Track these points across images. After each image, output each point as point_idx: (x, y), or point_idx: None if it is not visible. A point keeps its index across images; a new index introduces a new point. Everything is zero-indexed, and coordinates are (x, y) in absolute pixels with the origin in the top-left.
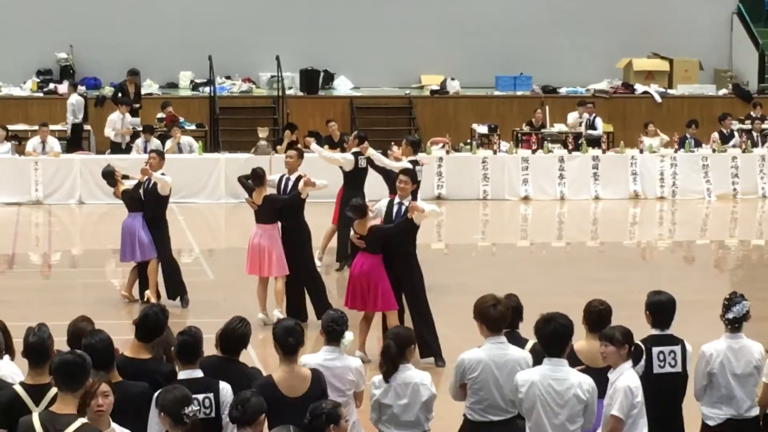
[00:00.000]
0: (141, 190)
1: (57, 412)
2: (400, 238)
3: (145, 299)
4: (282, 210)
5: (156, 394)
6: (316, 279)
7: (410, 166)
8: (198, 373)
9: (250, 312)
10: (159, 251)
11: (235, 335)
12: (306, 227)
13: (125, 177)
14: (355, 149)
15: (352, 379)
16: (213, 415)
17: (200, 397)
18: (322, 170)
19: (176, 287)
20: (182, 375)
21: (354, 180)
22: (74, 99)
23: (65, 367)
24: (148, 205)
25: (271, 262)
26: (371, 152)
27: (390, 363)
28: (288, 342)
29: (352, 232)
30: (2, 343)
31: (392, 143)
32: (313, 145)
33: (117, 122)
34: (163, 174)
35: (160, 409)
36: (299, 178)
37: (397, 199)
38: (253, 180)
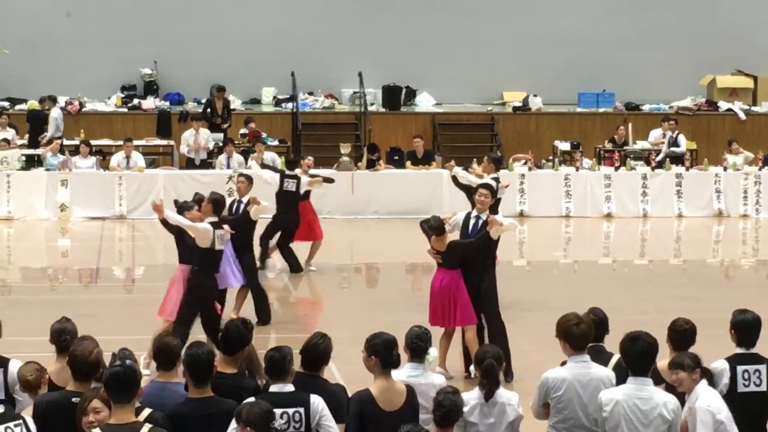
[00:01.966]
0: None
1: (119, 423)
2: (476, 252)
3: None
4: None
5: (237, 409)
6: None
7: (494, 183)
8: (289, 387)
9: (331, 328)
10: (248, 278)
11: (316, 351)
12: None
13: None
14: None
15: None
16: (303, 429)
17: (290, 411)
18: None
19: (265, 313)
20: (274, 388)
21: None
22: (56, 113)
23: (117, 380)
24: (239, 230)
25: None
26: (456, 170)
27: (494, 382)
28: (391, 356)
29: (429, 248)
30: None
31: (473, 161)
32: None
33: (189, 138)
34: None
35: (244, 423)
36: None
37: (474, 213)
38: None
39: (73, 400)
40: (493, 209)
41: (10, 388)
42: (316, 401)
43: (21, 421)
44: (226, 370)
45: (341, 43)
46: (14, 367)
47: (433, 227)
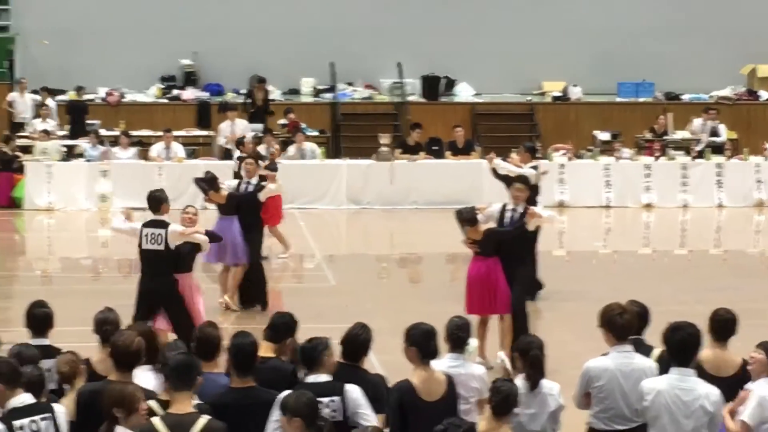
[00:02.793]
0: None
1: (179, 413)
2: (513, 243)
3: (224, 305)
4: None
5: (280, 398)
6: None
7: (533, 172)
8: (324, 377)
9: (371, 318)
10: (251, 257)
11: (356, 342)
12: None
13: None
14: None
15: (476, 386)
16: (340, 418)
17: (325, 400)
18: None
19: (258, 294)
20: (310, 378)
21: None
22: (50, 103)
23: (181, 367)
24: (245, 209)
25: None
26: (496, 162)
27: (539, 372)
28: (430, 346)
29: (464, 239)
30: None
31: (510, 151)
32: None
33: (226, 130)
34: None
35: (292, 413)
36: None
37: (510, 205)
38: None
39: None
40: (532, 199)
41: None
42: (352, 390)
43: (50, 414)
44: (265, 354)
45: (380, 34)
46: None
47: (466, 219)
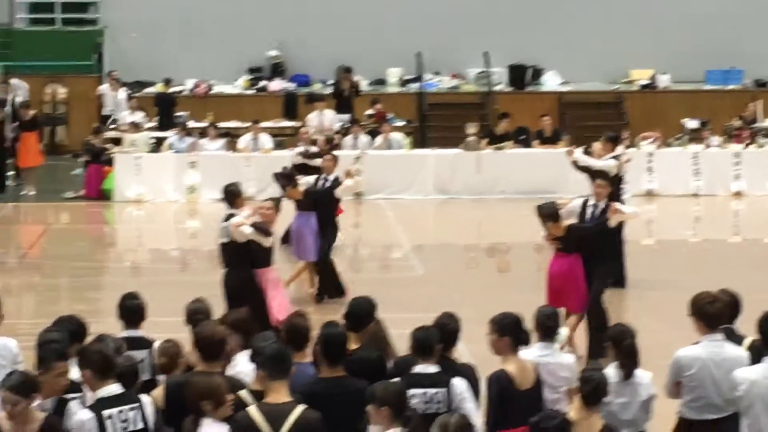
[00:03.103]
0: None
1: (276, 402)
2: (594, 239)
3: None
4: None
5: (370, 390)
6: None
7: (613, 163)
8: (433, 368)
9: (459, 308)
10: (323, 252)
11: (445, 331)
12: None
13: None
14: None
15: (566, 375)
16: (444, 409)
17: (431, 391)
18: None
19: (329, 289)
20: (418, 368)
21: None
22: (121, 94)
23: (276, 357)
24: (322, 206)
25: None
26: (576, 155)
27: (633, 362)
28: (522, 334)
29: (544, 234)
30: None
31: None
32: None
33: (314, 120)
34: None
35: (380, 403)
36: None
37: (592, 201)
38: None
39: None
40: (615, 190)
41: (156, 369)
42: (458, 383)
43: (138, 404)
44: (349, 347)
45: (467, 23)
46: None
47: (547, 214)
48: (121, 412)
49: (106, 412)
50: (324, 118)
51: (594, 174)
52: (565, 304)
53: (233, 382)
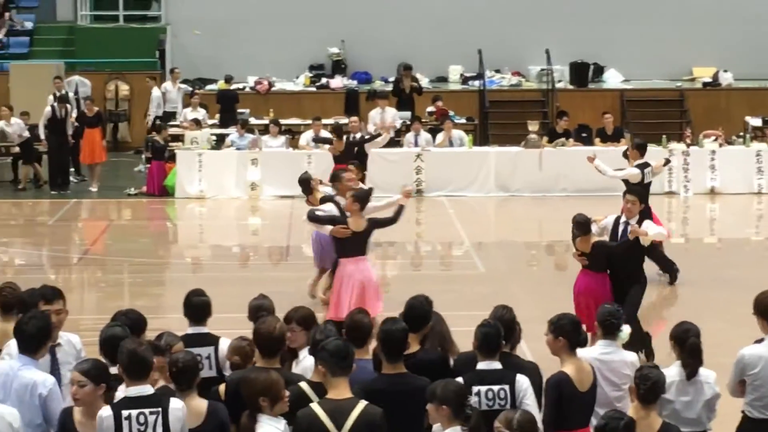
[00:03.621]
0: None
1: (338, 398)
2: (626, 258)
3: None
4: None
5: (430, 389)
6: None
7: (635, 172)
8: (497, 365)
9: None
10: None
11: (502, 321)
12: None
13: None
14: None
15: (628, 373)
16: (508, 406)
17: (495, 388)
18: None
19: None
20: (482, 365)
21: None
22: (169, 87)
23: (339, 353)
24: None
25: None
26: (596, 162)
27: (698, 361)
28: (579, 335)
29: (573, 251)
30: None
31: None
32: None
33: (376, 117)
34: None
35: (440, 401)
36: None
37: (623, 218)
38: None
39: None
40: (645, 213)
41: (221, 365)
42: (522, 380)
43: (160, 408)
44: (409, 351)
45: (528, 21)
46: (224, 345)
47: (579, 222)
48: (141, 414)
49: (125, 412)
50: (386, 116)
51: (626, 185)
52: (585, 323)
53: (291, 376)
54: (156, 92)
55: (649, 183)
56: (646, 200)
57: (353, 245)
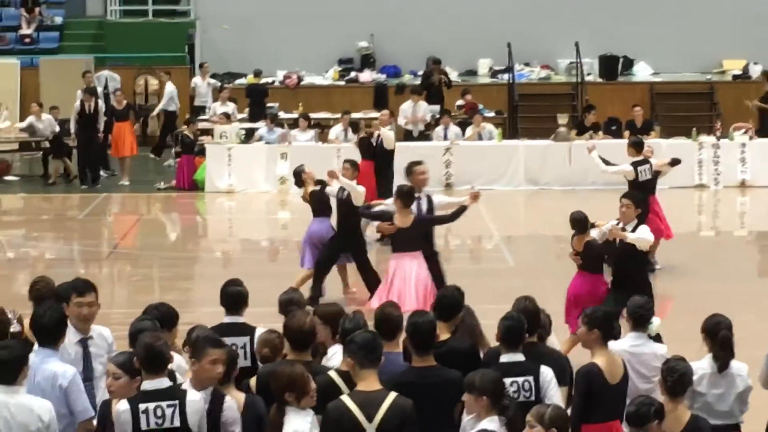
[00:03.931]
0: (335, 198)
1: (368, 390)
2: (622, 263)
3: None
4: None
5: (468, 379)
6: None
7: (629, 169)
8: (519, 357)
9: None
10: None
11: (527, 313)
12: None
13: (320, 182)
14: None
15: (658, 365)
16: (533, 398)
17: (520, 380)
18: None
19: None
20: (504, 358)
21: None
22: (197, 81)
23: (368, 345)
24: (339, 213)
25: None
26: (593, 154)
27: (729, 353)
28: (612, 328)
29: (570, 249)
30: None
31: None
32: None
33: (408, 110)
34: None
35: (479, 392)
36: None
37: (620, 224)
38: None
39: None
40: (641, 217)
41: (256, 356)
42: (547, 372)
43: (177, 401)
44: (440, 337)
45: (557, 14)
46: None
47: (575, 219)
48: (158, 407)
49: (142, 406)
50: (418, 110)
51: (629, 184)
52: (568, 322)
53: (320, 368)
54: (170, 87)
55: (649, 180)
56: (645, 203)
57: (402, 241)
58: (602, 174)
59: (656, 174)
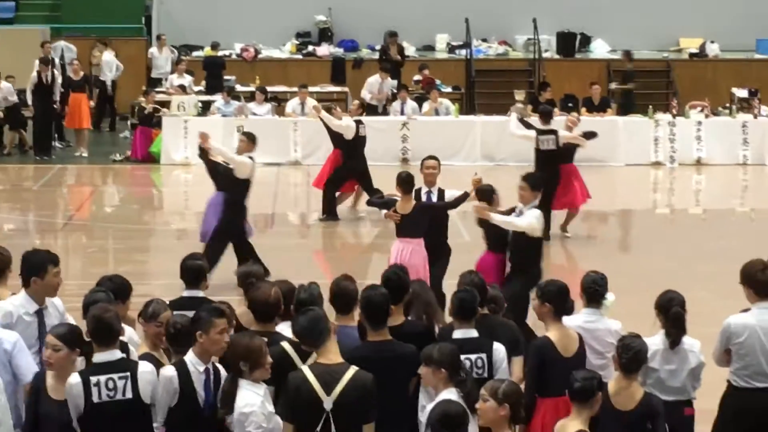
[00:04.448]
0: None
1: (328, 363)
2: (513, 246)
3: None
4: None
5: (426, 352)
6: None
7: (532, 134)
8: (473, 333)
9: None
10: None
11: (475, 287)
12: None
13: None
14: (356, 117)
15: (612, 341)
16: (485, 375)
17: (473, 357)
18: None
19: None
20: (457, 334)
21: (354, 148)
22: (154, 52)
23: (312, 325)
24: (225, 186)
25: None
26: (513, 116)
27: (681, 330)
28: (566, 303)
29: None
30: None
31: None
32: (322, 113)
33: (375, 85)
34: (251, 157)
35: (437, 364)
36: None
37: (520, 206)
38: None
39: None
40: (566, 157)
41: None
42: (499, 349)
43: (129, 373)
44: (394, 323)
45: None
46: None
47: (481, 191)
48: (110, 379)
49: (93, 378)
50: (384, 86)
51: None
52: None
53: (281, 338)
54: (106, 56)
55: (553, 151)
56: (549, 184)
57: (404, 227)
58: (511, 135)
59: (571, 146)
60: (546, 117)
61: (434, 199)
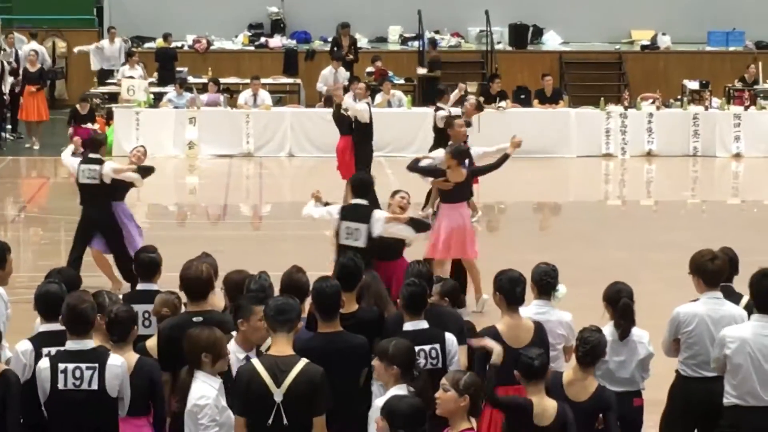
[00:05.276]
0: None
1: (278, 355)
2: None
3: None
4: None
5: (380, 347)
6: None
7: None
8: (423, 324)
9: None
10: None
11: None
12: None
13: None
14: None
15: (563, 333)
16: (440, 365)
17: (426, 348)
18: None
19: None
20: (408, 326)
21: (368, 133)
22: (105, 44)
23: (279, 310)
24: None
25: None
26: (346, 97)
27: (630, 321)
28: (515, 293)
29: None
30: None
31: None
32: (345, 98)
33: (329, 77)
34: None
35: (390, 361)
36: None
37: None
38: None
39: (194, 320)
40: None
41: (154, 316)
42: (451, 339)
43: (97, 365)
44: (347, 310)
45: None
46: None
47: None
48: (77, 368)
49: (61, 365)
50: (339, 76)
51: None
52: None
53: (218, 317)
54: (27, 47)
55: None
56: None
57: (455, 193)
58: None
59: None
60: (441, 95)
61: None
